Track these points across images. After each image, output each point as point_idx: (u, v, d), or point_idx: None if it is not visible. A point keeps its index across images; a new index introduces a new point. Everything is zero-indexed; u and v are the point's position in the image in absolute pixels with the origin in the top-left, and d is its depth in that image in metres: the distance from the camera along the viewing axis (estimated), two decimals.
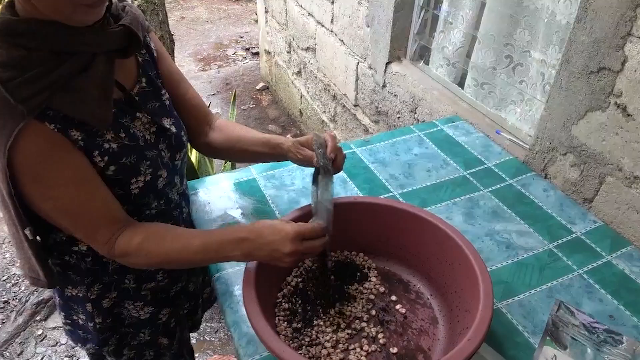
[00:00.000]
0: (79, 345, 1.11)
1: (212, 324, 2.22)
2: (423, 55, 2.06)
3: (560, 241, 1.16)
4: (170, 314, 1.14)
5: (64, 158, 0.78)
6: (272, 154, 1.05)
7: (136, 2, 1.95)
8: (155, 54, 0.99)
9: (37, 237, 0.86)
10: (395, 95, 2.10)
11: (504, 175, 1.37)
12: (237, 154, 1.11)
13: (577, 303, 1.00)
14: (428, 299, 1.00)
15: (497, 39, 1.61)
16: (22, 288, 2.39)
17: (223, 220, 1.20)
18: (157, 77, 0.98)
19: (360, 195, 1.29)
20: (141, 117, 0.91)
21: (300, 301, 0.97)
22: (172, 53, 2.27)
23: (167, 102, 0.99)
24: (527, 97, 1.57)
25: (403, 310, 0.97)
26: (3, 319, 2.25)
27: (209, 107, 1.17)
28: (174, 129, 0.98)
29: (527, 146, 1.46)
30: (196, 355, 2.08)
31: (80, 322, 1.06)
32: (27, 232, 0.82)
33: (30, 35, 0.72)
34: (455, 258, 0.92)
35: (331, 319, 0.95)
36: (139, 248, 0.85)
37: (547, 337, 0.88)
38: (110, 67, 0.80)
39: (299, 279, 1.01)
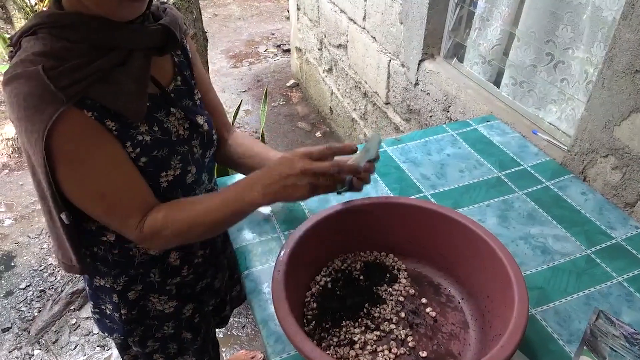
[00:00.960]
0: (106, 334, 1.14)
1: (240, 319, 2.24)
2: (457, 52, 2.02)
3: (599, 247, 1.12)
4: (194, 310, 1.15)
5: (100, 143, 0.81)
6: None
7: (171, 0, 1.98)
8: (190, 56, 1.02)
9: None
10: (427, 94, 2.06)
11: (540, 177, 1.33)
12: (251, 168, 1.10)
13: (617, 312, 0.96)
14: (459, 302, 0.97)
15: (538, 36, 1.56)
16: (58, 278, 2.46)
17: (252, 218, 1.20)
18: (191, 77, 1.01)
19: (391, 195, 1.27)
20: (175, 113, 0.93)
21: (329, 301, 0.97)
22: (204, 50, 2.29)
23: (199, 102, 1.02)
24: (567, 96, 1.52)
25: (433, 314, 0.95)
26: (40, 308, 2.32)
27: (240, 104, 1.18)
28: (206, 126, 1.00)
29: (566, 147, 1.42)
30: (223, 349, 2.10)
31: (108, 312, 1.09)
32: (63, 216, 0.84)
33: (74, 28, 0.77)
34: (489, 261, 0.90)
35: (360, 320, 0.94)
36: (165, 220, 0.86)
37: (585, 347, 0.85)
38: (146, 63, 0.83)
39: (328, 279, 1.00)
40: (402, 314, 0.95)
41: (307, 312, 0.95)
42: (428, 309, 0.96)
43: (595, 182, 1.32)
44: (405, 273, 1.03)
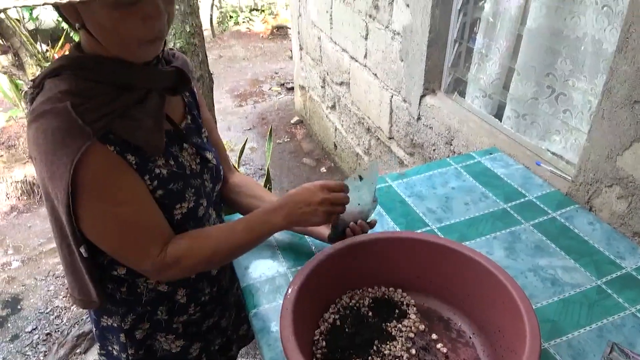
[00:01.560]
0: None
1: (248, 359, 2.20)
2: (458, 87, 2.06)
3: (609, 277, 1.11)
4: (201, 349, 1.14)
5: (123, 177, 0.85)
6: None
7: (177, 44, 2.04)
8: (197, 98, 1.08)
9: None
10: (430, 128, 2.09)
11: (546, 208, 1.33)
12: (252, 208, 1.12)
13: (631, 344, 0.94)
14: (470, 337, 0.96)
15: (538, 70, 1.60)
16: (64, 320, 2.44)
17: (259, 254, 1.20)
18: (199, 117, 1.06)
19: (397, 229, 1.28)
20: (187, 148, 0.99)
21: (338, 339, 0.95)
22: (210, 91, 2.35)
23: (207, 140, 1.07)
24: (571, 127, 1.53)
25: (444, 350, 0.94)
26: (45, 351, 2.29)
27: (245, 142, 1.22)
28: (215, 161, 1.05)
29: (570, 178, 1.42)
30: None
31: (115, 352, 1.08)
32: (82, 249, 0.86)
33: (97, 69, 0.82)
34: (498, 295, 0.89)
35: (370, 358, 0.92)
36: (189, 247, 0.91)
37: None
38: (162, 102, 0.89)
39: (337, 316, 0.99)
40: (413, 351, 0.94)
41: (317, 350, 0.94)
42: (439, 345, 0.95)
43: (601, 212, 1.32)
44: (415, 308, 1.02)
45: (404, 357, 0.92)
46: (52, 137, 0.77)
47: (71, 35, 3.85)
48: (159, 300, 1.03)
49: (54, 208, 0.84)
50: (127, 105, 0.83)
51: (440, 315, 1.01)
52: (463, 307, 0.99)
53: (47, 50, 3.88)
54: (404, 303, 1.03)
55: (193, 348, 1.13)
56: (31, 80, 0.85)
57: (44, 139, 0.77)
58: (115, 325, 1.04)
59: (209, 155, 1.03)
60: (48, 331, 2.39)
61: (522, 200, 1.37)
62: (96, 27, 0.78)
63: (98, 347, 1.12)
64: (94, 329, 1.10)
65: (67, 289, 2.63)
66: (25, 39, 3.53)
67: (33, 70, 3.60)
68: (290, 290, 0.90)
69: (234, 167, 1.23)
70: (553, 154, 1.59)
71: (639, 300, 1.04)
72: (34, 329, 2.41)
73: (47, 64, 3.70)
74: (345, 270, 1.01)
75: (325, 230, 1.09)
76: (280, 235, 1.27)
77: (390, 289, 1.06)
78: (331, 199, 0.94)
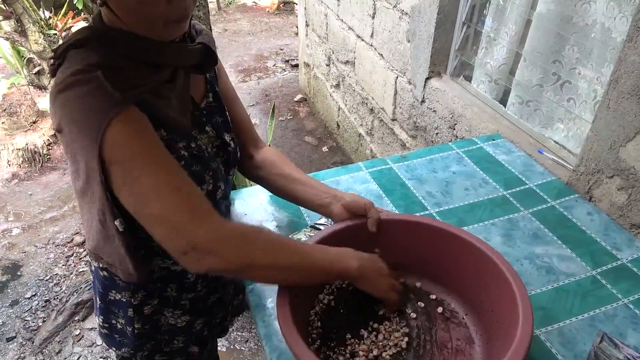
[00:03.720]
0: (113, 348, 1.13)
1: (243, 333, 2.24)
2: (464, 71, 2.04)
3: (604, 267, 1.11)
4: (204, 324, 1.15)
5: (158, 142, 0.79)
6: (316, 208, 1.07)
7: None
8: (217, 71, 1.05)
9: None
10: (434, 111, 2.08)
11: (546, 197, 1.33)
12: (281, 189, 1.11)
13: (622, 334, 0.96)
14: (463, 318, 0.97)
15: (544, 56, 1.58)
16: (63, 288, 2.47)
17: None
18: (220, 93, 1.03)
19: (396, 212, 1.28)
20: (209, 132, 0.96)
21: (333, 320, 0.97)
22: None
23: (228, 118, 1.04)
24: (574, 115, 1.52)
25: (438, 328, 0.95)
26: (44, 318, 2.33)
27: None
28: (232, 145, 1.02)
29: (571, 167, 1.42)
30: None
31: (119, 326, 1.08)
32: (117, 223, 0.82)
33: (125, 44, 0.79)
34: (493, 279, 0.90)
35: (364, 337, 0.93)
36: (261, 230, 0.85)
37: None
38: (187, 81, 0.86)
39: (331, 297, 1.00)
40: (407, 330, 0.95)
41: (312, 330, 0.95)
42: (432, 325, 0.96)
43: (601, 202, 1.32)
44: (408, 288, 1.03)
45: (398, 336, 0.93)
46: (82, 105, 0.73)
47: (75, 2, 3.80)
48: (170, 278, 1.02)
49: (87, 182, 0.79)
50: (158, 83, 0.81)
51: (434, 296, 1.02)
52: (456, 288, 1.00)
53: (50, 17, 3.83)
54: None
55: (197, 322, 1.14)
56: (53, 50, 0.81)
57: (74, 107, 0.74)
58: (124, 300, 1.02)
59: (228, 138, 1.00)
60: (47, 298, 2.42)
61: (522, 187, 1.37)
62: (119, 6, 0.76)
63: (101, 320, 1.10)
64: (98, 302, 1.08)
65: (66, 257, 2.65)
66: (28, 5, 3.49)
67: (35, 37, 3.57)
68: None
69: (262, 141, 1.17)
70: (555, 142, 1.58)
71: (633, 292, 1.05)
72: (33, 295, 2.44)
73: (49, 31, 3.67)
74: None
75: (329, 209, 1.04)
76: (279, 214, 1.27)
77: None
78: (398, 286, 0.96)
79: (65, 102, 0.75)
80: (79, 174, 0.80)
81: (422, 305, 1.00)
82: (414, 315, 0.98)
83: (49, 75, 0.85)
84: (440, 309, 0.99)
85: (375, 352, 0.91)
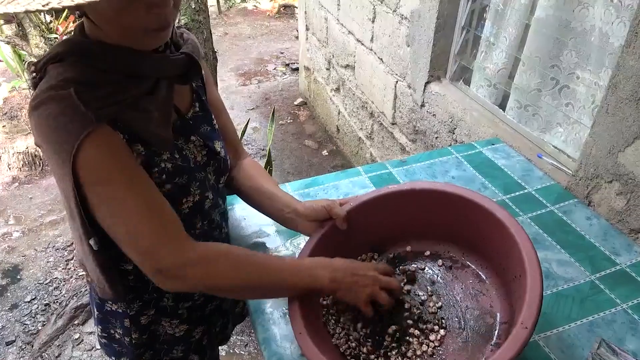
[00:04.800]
0: (113, 358, 1.13)
1: (242, 337, 2.24)
2: (463, 75, 2.04)
3: (603, 273, 1.11)
4: (203, 332, 1.15)
5: (131, 160, 0.80)
6: (284, 223, 1.07)
7: (183, 21, 2.02)
8: (205, 79, 1.03)
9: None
10: (433, 115, 2.08)
11: (544, 201, 1.33)
12: (256, 203, 1.11)
13: (620, 340, 0.96)
14: (463, 258, 1.01)
15: (543, 61, 1.58)
16: (63, 292, 2.47)
17: (258, 236, 1.21)
18: (207, 102, 1.02)
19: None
20: (194, 141, 0.95)
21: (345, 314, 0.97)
22: (214, 69, 2.33)
23: (217, 127, 1.03)
24: (573, 120, 1.53)
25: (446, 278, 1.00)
26: (44, 321, 2.33)
27: (248, 122, 1.19)
28: (223, 153, 1.01)
29: (570, 172, 1.42)
30: None
31: (117, 336, 1.08)
32: (92, 242, 0.83)
33: (103, 57, 0.78)
34: (484, 221, 0.93)
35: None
36: (227, 252, 0.86)
37: None
38: (170, 92, 0.84)
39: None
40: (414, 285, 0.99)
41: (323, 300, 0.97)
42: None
43: (600, 207, 1.32)
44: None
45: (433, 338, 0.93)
46: (54, 124, 0.74)
47: None
48: None
49: (65, 199, 0.80)
50: (136, 96, 0.79)
51: (427, 252, 1.05)
52: (444, 236, 1.04)
53: (51, 21, 3.84)
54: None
55: (196, 331, 1.13)
56: (33, 64, 0.80)
57: (47, 125, 0.74)
58: (120, 310, 1.02)
59: (217, 146, 0.99)
60: (47, 302, 2.43)
61: (522, 192, 1.37)
62: (98, 16, 0.75)
63: (99, 330, 1.11)
64: (96, 312, 1.08)
65: (66, 261, 2.66)
66: None
67: (36, 41, 3.57)
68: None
69: (244, 153, 1.17)
70: (554, 147, 1.58)
71: (631, 297, 1.05)
72: (33, 299, 2.44)
73: (50, 35, 3.67)
74: (346, 240, 1.02)
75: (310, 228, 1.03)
76: None
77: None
78: (383, 281, 0.89)
79: (39, 120, 0.75)
80: (59, 189, 0.81)
81: (422, 267, 1.03)
82: (422, 294, 0.99)
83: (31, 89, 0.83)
84: (440, 262, 1.02)
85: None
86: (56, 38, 3.68)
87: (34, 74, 0.81)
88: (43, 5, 0.56)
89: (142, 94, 0.80)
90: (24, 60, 3.98)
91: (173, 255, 0.81)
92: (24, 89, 3.86)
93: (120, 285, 0.93)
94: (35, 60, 0.81)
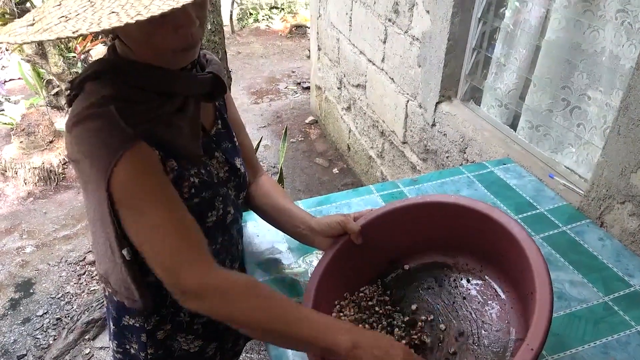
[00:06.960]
0: None
1: (252, 355, 2.23)
2: (474, 95, 2.06)
3: (617, 294, 1.11)
4: (216, 348, 1.15)
5: (166, 180, 0.84)
6: (300, 240, 1.09)
7: None
8: (226, 98, 1.08)
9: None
10: (444, 135, 2.09)
11: (557, 222, 1.33)
12: (274, 221, 1.12)
13: None
14: (481, 271, 1.01)
15: (554, 82, 1.59)
16: (75, 306, 2.49)
17: (271, 253, 1.22)
18: (228, 120, 1.06)
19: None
20: (218, 157, 0.99)
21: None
22: (228, 88, 2.38)
23: (237, 144, 1.06)
24: (584, 141, 1.53)
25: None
26: (55, 336, 2.34)
27: (260, 140, 1.21)
28: (243, 169, 1.05)
29: (582, 192, 1.42)
30: None
31: (132, 351, 1.09)
32: (125, 252, 0.85)
33: (137, 75, 0.83)
34: (498, 235, 0.92)
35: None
36: (249, 285, 0.83)
37: None
38: (197, 109, 0.89)
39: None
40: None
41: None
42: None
43: (612, 228, 1.32)
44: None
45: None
46: (95, 139, 0.77)
47: None
48: None
49: (96, 211, 0.82)
50: (169, 112, 0.84)
51: (445, 263, 1.06)
52: (468, 251, 1.03)
53: (69, 41, 3.94)
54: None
55: (210, 347, 1.14)
56: (69, 82, 0.84)
57: (88, 141, 0.78)
58: (137, 325, 1.03)
59: (238, 163, 1.03)
60: (58, 316, 2.44)
61: (533, 212, 1.37)
62: (129, 39, 0.80)
63: (115, 345, 1.11)
64: (112, 327, 1.09)
65: (78, 276, 2.68)
66: None
67: (55, 60, 3.67)
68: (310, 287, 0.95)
69: (261, 169, 1.19)
70: (566, 167, 1.58)
71: None
72: (45, 313, 2.46)
73: (69, 54, 3.77)
74: (353, 267, 1.03)
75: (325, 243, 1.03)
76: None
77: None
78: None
79: (79, 135, 0.79)
80: (90, 202, 0.84)
81: (440, 280, 1.04)
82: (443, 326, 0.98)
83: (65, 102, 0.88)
84: (458, 275, 1.03)
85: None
86: (74, 57, 3.78)
87: (69, 91, 0.84)
88: (73, 32, 0.59)
89: (173, 111, 0.85)
90: (42, 78, 4.08)
91: (194, 277, 0.81)
92: (41, 106, 3.94)
93: (150, 296, 0.94)
94: (71, 78, 0.84)
